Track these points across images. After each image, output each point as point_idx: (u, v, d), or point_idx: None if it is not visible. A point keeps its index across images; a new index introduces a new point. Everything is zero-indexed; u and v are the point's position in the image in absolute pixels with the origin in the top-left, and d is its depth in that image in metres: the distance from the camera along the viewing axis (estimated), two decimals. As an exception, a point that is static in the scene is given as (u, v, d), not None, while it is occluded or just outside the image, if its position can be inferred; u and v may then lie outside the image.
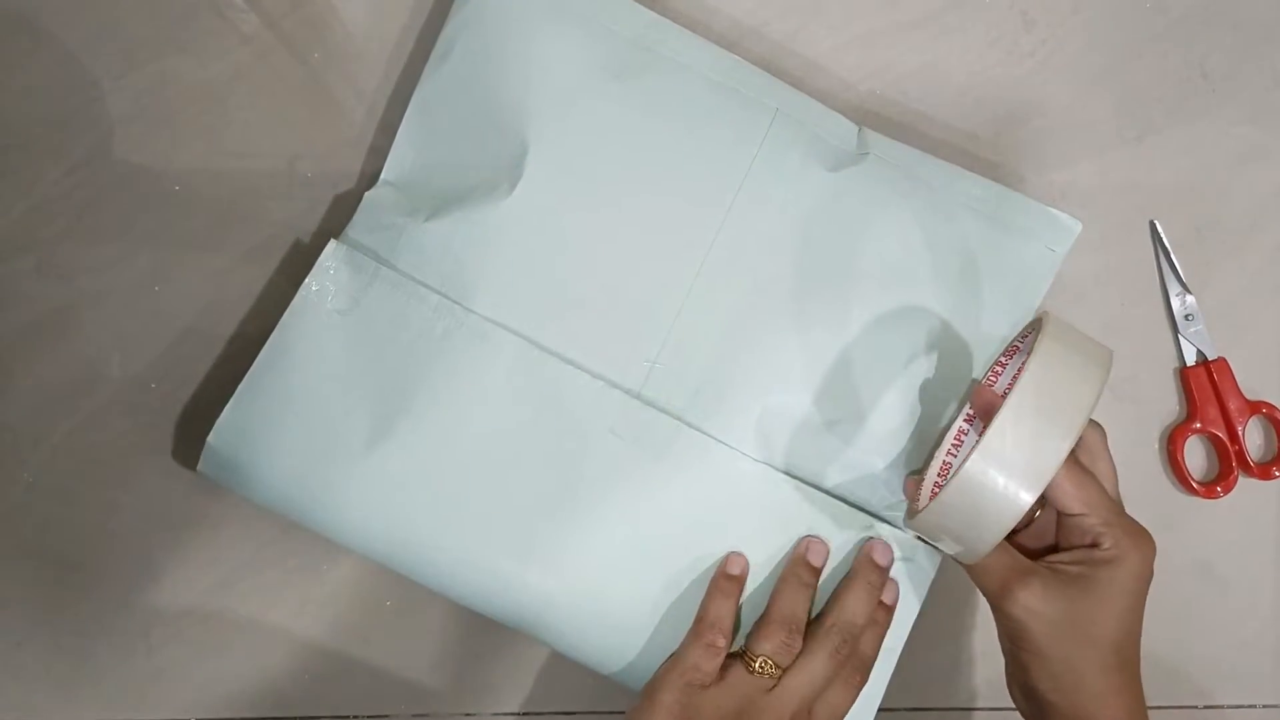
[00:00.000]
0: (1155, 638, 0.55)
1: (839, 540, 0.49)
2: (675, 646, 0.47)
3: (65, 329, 0.51)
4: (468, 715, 0.53)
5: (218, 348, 0.52)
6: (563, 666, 0.52)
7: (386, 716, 0.52)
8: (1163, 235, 0.56)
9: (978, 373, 0.50)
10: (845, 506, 0.49)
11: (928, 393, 0.50)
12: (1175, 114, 0.57)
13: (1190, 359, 0.56)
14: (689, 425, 0.48)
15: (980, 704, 0.55)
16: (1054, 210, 0.51)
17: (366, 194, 0.49)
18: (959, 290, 0.50)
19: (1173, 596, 0.55)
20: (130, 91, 0.52)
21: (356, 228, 0.49)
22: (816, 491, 0.49)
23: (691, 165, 0.49)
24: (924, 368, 0.49)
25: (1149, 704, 0.55)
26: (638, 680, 0.48)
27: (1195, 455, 0.57)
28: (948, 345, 0.50)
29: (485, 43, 0.49)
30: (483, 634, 0.52)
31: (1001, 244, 0.50)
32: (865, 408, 0.49)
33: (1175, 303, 0.55)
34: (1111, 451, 0.47)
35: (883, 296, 0.49)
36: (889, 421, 0.49)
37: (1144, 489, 0.56)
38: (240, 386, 0.47)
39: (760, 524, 0.49)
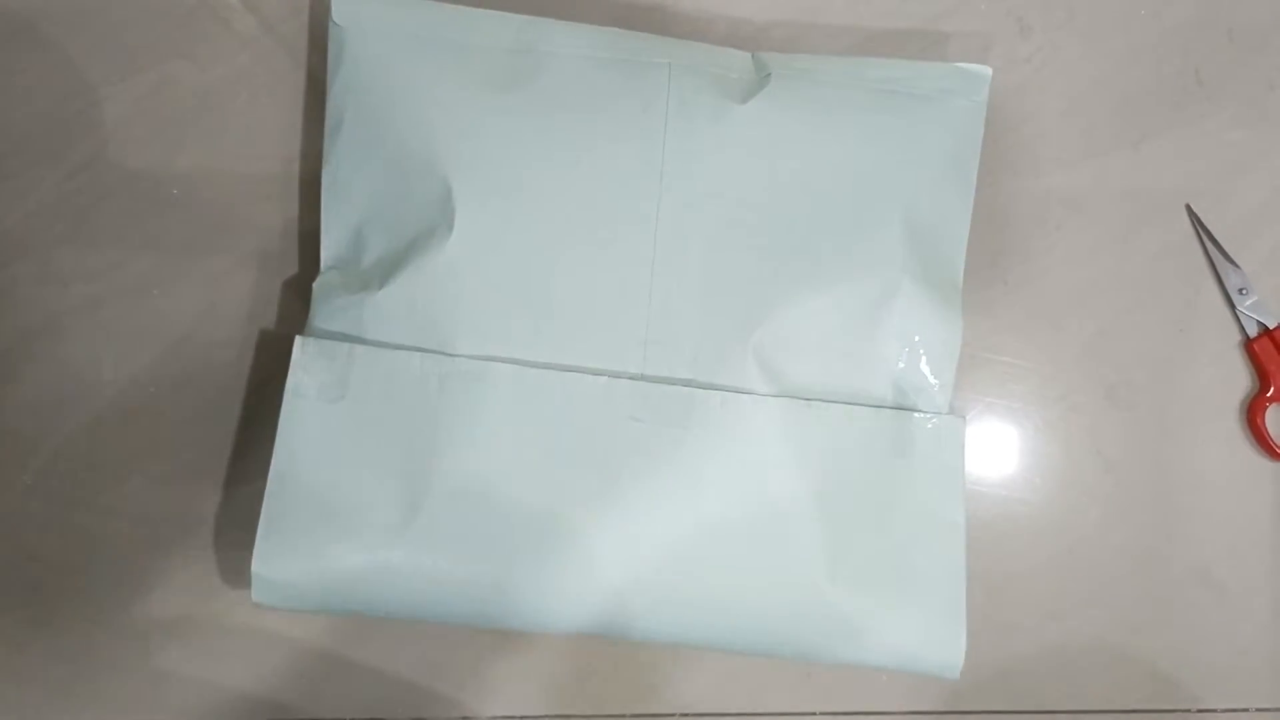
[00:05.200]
0: (1149, 641, 0.55)
1: (870, 441, 0.50)
2: (782, 595, 0.48)
3: (64, 333, 0.51)
4: (465, 718, 0.53)
5: (216, 351, 0.52)
6: (561, 669, 0.53)
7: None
8: (1200, 216, 0.56)
9: (949, 240, 0.51)
10: (869, 409, 0.50)
11: (906, 275, 0.50)
12: (1171, 119, 0.57)
13: (1252, 331, 0.56)
14: (701, 387, 0.49)
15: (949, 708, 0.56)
16: (959, 64, 0.52)
17: (315, 284, 0.49)
18: (902, 169, 0.51)
19: (1168, 600, 0.56)
20: (129, 96, 0.52)
21: (317, 318, 0.49)
22: (837, 405, 0.50)
23: (611, 145, 0.49)
24: (896, 251, 0.50)
25: (1141, 708, 0.55)
26: (762, 643, 0.49)
27: (1277, 424, 0.57)
28: (913, 223, 0.50)
29: (371, 101, 0.49)
30: (481, 636, 0.52)
31: (922, 113, 0.51)
32: (852, 310, 0.50)
33: (1227, 280, 0.56)
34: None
35: (833, 202, 0.50)
36: (881, 314, 0.50)
37: (1230, 463, 0.56)
38: (263, 506, 0.47)
39: (800, 450, 0.49)
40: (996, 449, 0.56)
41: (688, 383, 0.49)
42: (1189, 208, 0.57)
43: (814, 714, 0.54)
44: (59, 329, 0.51)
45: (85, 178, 0.51)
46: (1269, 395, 0.56)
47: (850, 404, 0.50)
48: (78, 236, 0.51)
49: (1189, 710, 0.56)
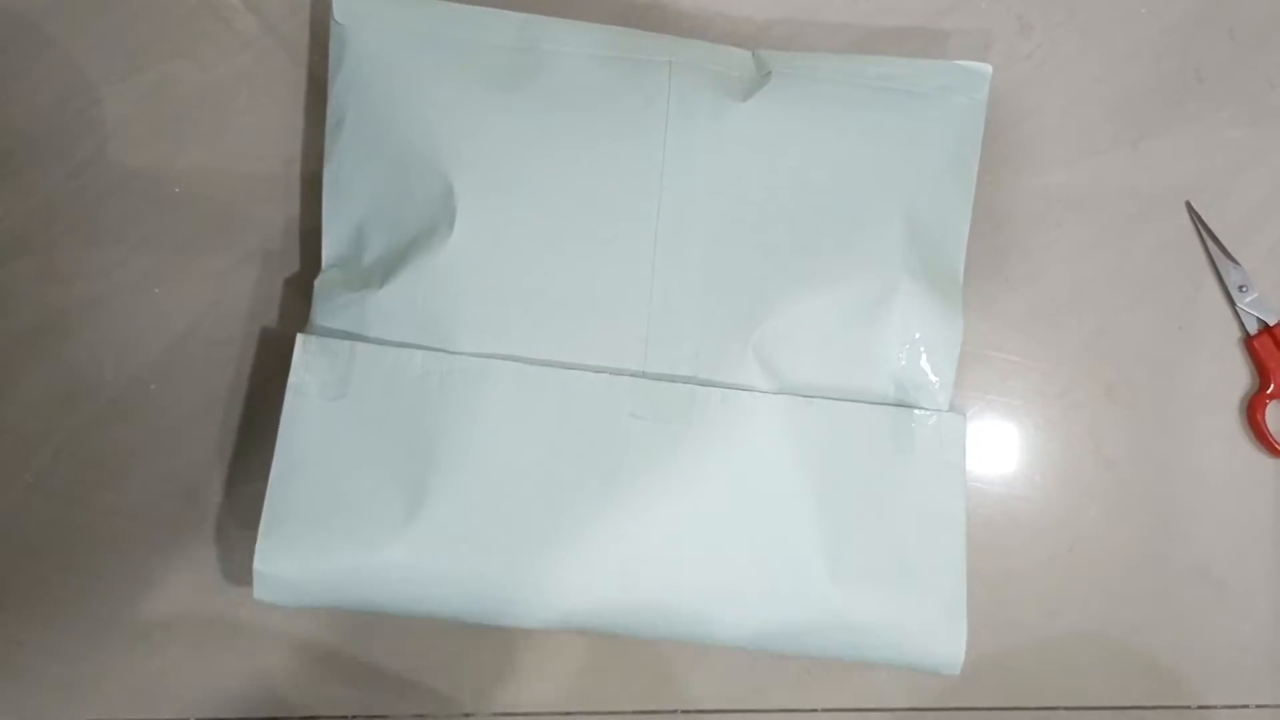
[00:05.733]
0: (1149, 638, 0.55)
1: (871, 439, 0.50)
2: (783, 592, 0.48)
3: (66, 331, 0.51)
4: (466, 716, 0.53)
5: (217, 350, 0.52)
6: (563, 666, 0.53)
7: (386, 717, 0.52)
8: (1200, 213, 0.56)
9: (950, 237, 0.51)
10: (869, 406, 0.50)
11: (907, 273, 0.50)
12: (1171, 117, 0.57)
13: (1252, 328, 0.56)
14: (701, 384, 0.49)
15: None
16: (960, 62, 0.52)
17: (316, 281, 0.49)
18: (902, 167, 0.51)
19: (1168, 597, 0.56)
20: (131, 95, 0.52)
21: (319, 315, 0.49)
22: (838, 402, 0.50)
23: (612, 143, 0.49)
24: (896, 250, 0.50)
25: (1141, 704, 0.55)
26: (763, 640, 0.49)
27: (1277, 421, 0.57)
28: (913, 221, 0.50)
29: (373, 99, 0.49)
30: (483, 633, 0.52)
31: (922, 110, 0.51)
32: (852, 307, 0.50)
33: (1227, 277, 0.56)
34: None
35: (833, 200, 0.50)
36: (881, 311, 0.50)
37: (1230, 460, 0.57)
38: (265, 504, 0.47)
39: (801, 448, 0.49)
40: (997, 446, 0.56)
41: (688, 380, 0.49)
42: (1189, 205, 0.57)
43: (815, 710, 0.54)
44: (61, 327, 0.51)
45: (87, 176, 0.51)
46: (1269, 392, 0.56)
47: (851, 401, 0.50)
48: (79, 235, 0.51)
49: (1189, 707, 0.56)
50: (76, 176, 0.51)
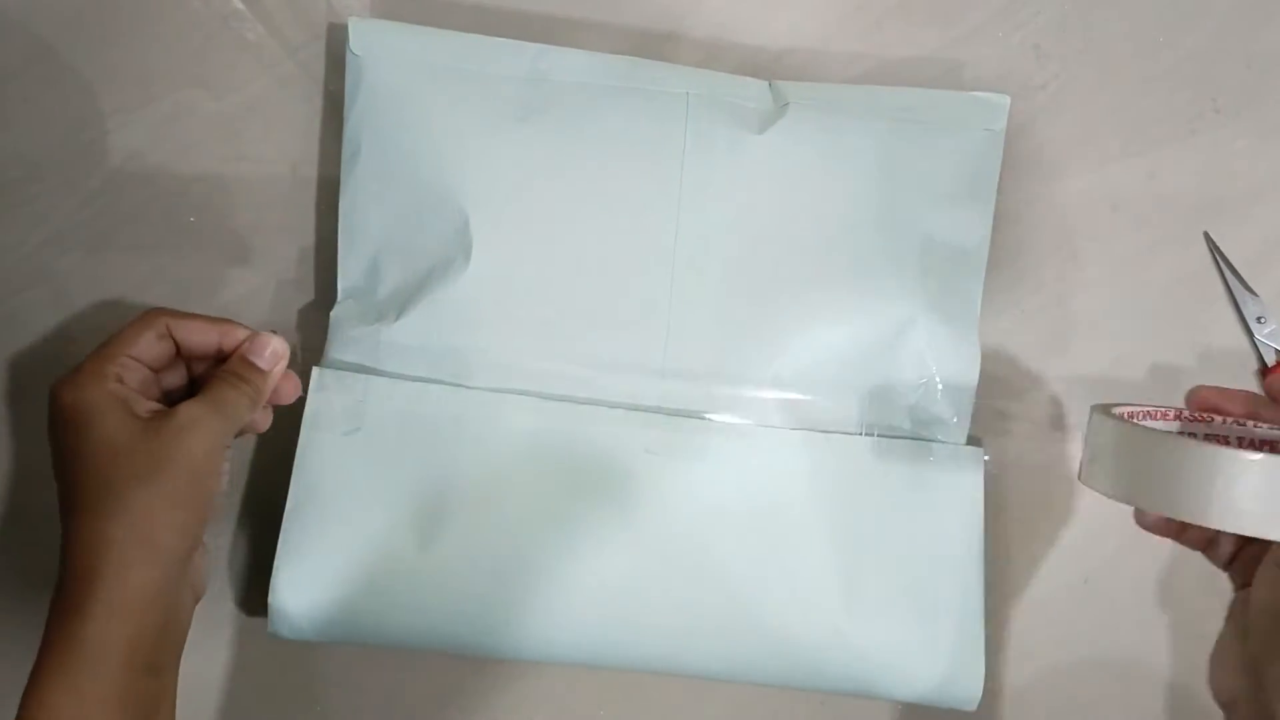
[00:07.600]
0: (1166, 671, 0.55)
1: (888, 473, 0.49)
2: (798, 626, 0.48)
3: (78, 361, 0.51)
4: (479, 748, 0.53)
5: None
6: (574, 698, 0.52)
7: (397, 749, 0.52)
8: (1217, 244, 0.56)
9: (967, 270, 0.51)
10: (886, 441, 0.50)
11: (923, 307, 0.50)
12: (1188, 147, 0.57)
13: (1270, 360, 0.56)
14: (717, 419, 0.49)
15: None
16: (977, 93, 0.52)
17: (332, 314, 0.49)
18: (919, 199, 0.50)
19: (1185, 630, 0.55)
20: (146, 123, 0.52)
21: (334, 348, 0.49)
22: (855, 436, 0.50)
23: (628, 176, 0.49)
24: (913, 282, 0.50)
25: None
26: (777, 674, 0.49)
27: None
28: (930, 253, 0.50)
29: (388, 131, 0.49)
30: (493, 664, 0.52)
31: (940, 142, 0.51)
32: (868, 342, 0.50)
33: (1245, 308, 0.56)
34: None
35: (852, 233, 0.50)
36: (898, 345, 0.50)
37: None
38: (280, 540, 0.47)
39: (818, 482, 0.49)
40: (1011, 478, 0.55)
41: (704, 415, 0.49)
42: (1206, 235, 0.56)
43: (830, 747, 0.53)
44: (74, 356, 0.51)
45: (101, 205, 0.51)
46: None
47: (868, 436, 0.50)
48: (92, 263, 0.51)
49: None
50: (89, 206, 0.51)
